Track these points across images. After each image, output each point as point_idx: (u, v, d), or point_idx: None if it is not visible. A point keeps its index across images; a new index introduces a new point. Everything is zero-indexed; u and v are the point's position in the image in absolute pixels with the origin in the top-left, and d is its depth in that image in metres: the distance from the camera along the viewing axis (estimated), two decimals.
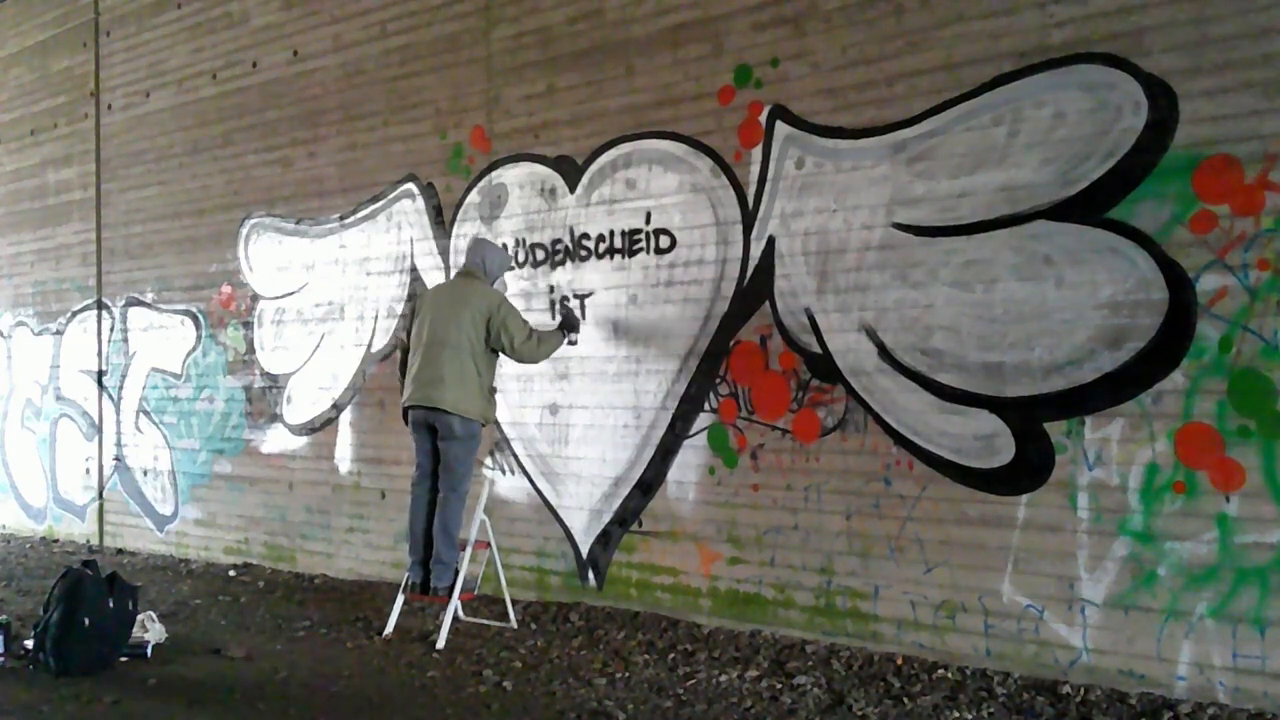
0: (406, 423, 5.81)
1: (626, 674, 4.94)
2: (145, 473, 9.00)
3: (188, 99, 8.58)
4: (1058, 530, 4.56)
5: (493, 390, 5.82)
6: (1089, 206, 4.48)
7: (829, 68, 5.26)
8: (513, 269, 6.43)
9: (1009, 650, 4.68)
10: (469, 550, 5.73)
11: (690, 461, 5.76)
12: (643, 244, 5.95)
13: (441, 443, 5.66)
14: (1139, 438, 4.36)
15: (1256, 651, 4.10)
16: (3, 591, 7.25)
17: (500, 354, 5.75)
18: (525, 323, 5.75)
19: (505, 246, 6.49)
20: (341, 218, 7.52)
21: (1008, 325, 4.69)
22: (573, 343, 5.97)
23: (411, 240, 7.09)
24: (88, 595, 5.12)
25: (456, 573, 5.68)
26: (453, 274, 6.69)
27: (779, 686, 4.69)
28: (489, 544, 5.94)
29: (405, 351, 5.95)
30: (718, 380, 5.66)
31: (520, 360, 5.79)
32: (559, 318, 6.15)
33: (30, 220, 10.10)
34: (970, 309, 4.79)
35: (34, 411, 10.14)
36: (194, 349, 8.56)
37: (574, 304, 6.23)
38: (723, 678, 4.84)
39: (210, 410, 8.42)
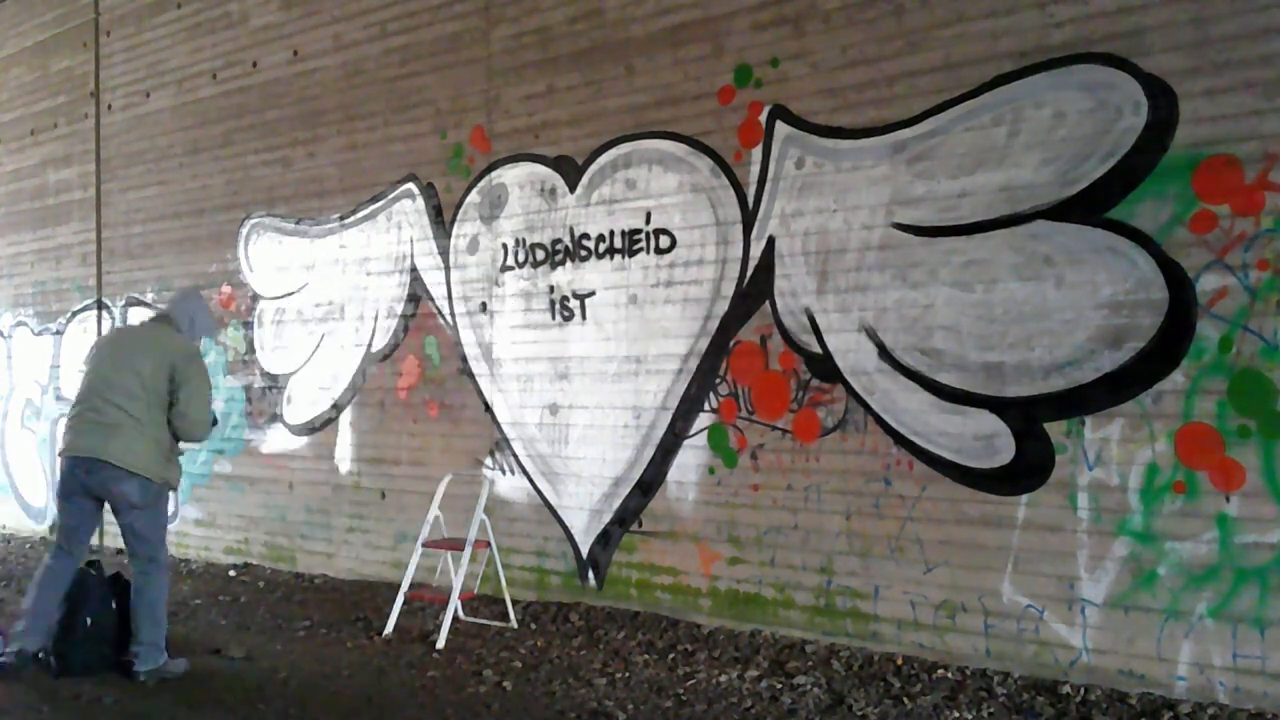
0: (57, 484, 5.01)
1: (626, 674, 4.94)
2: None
3: (188, 99, 8.58)
4: (1058, 530, 4.56)
5: (175, 449, 5.00)
6: (1089, 206, 4.48)
7: (829, 68, 5.26)
8: (203, 337, 5.39)
9: (1009, 650, 4.68)
10: (468, 551, 5.73)
11: (690, 461, 5.76)
12: (643, 244, 5.95)
13: (118, 514, 4.90)
14: (1139, 438, 4.36)
15: (1256, 651, 4.10)
16: (3, 591, 7.25)
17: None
18: (207, 395, 5.00)
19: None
20: (341, 218, 7.52)
21: (1008, 325, 4.69)
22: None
23: (411, 240, 7.09)
24: (90, 595, 5.11)
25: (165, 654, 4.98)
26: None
27: (779, 686, 4.70)
28: (489, 544, 5.94)
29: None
30: (718, 380, 5.66)
31: (182, 432, 4.93)
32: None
33: (30, 220, 10.10)
34: (970, 309, 4.79)
35: (34, 411, 10.14)
36: None
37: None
38: (723, 678, 4.84)
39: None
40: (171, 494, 5.07)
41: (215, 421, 5.22)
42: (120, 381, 4.86)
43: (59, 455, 4.98)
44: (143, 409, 4.83)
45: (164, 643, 5.01)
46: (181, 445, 5.05)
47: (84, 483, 4.86)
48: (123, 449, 4.79)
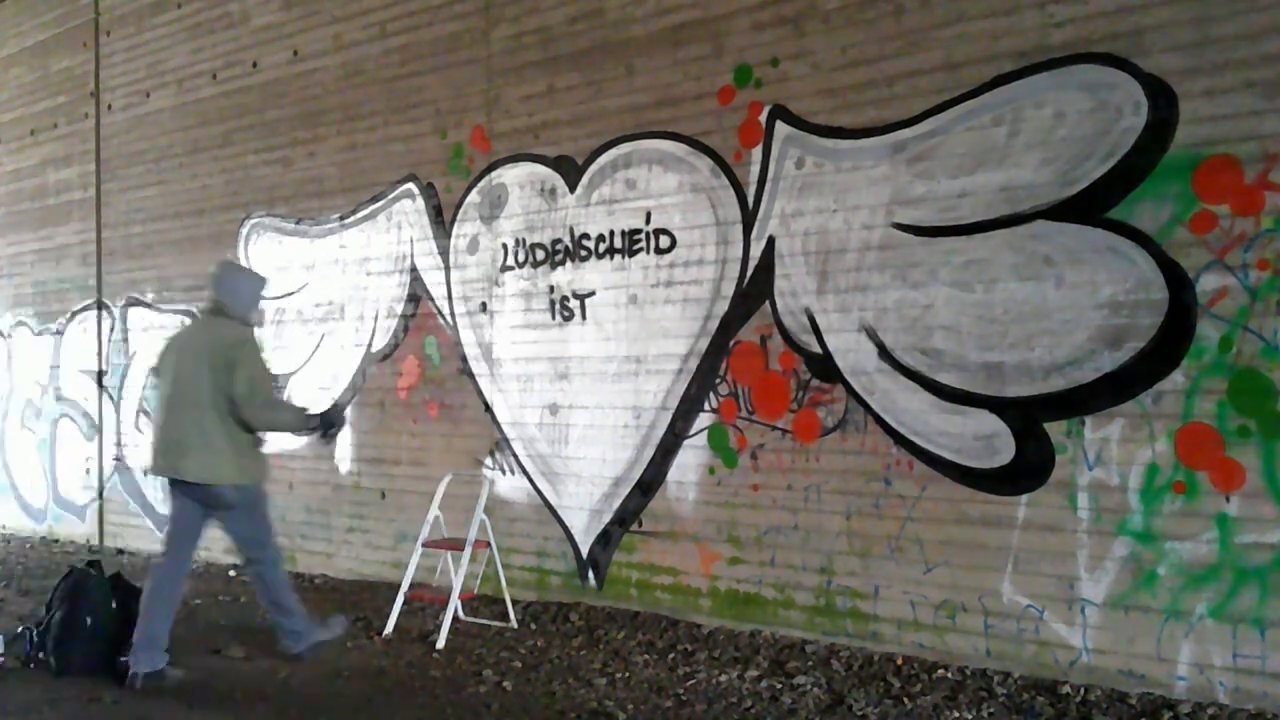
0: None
1: (626, 674, 4.94)
2: (145, 473, 9.00)
3: (188, 99, 8.58)
4: (1058, 530, 4.56)
5: (258, 443, 4.98)
6: (1089, 206, 4.48)
7: (829, 68, 5.26)
8: (260, 306, 5.25)
9: (1009, 650, 4.68)
10: (468, 551, 5.73)
11: (690, 461, 5.76)
12: (643, 244, 5.95)
13: (218, 517, 4.96)
14: (1139, 438, 4.36)
15: (1256, 651, 4.10)
16: (3, 591, 7.25)
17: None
18: (262, 375, 4.93)
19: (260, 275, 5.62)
20: (341, 218, 7.52)
21: (1008, 325, 4.69)
22: (316, 432, 5.26)
23: (411, 240, 7.10)
24: (91, 595, 5.12)
25: (313, 632, 5.10)
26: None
27: (779, 686, 4.70)
28: (489, 544, 5.94)
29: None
30: (718, 380, 5.66)
31: (244, 416, 4.81)
32: (324, 413, 5.33)
33: (30, 220, 10.10)
34: (970, 309, 4.79)
35: (34, 411, 10.14)
36: None
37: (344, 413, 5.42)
38: (723, 678, 4.84)
39: None
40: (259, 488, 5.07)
41: (306, 417, 5.10)
42: (182, 392, 4.81)
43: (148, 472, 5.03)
44: (209, 414, 4.77)
45: (305, 626, 5.19)
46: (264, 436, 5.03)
47: (181, 490, 4.90)
48: (198, 465, 4.78)
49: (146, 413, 8.96)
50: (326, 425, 5.20)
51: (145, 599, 4.89)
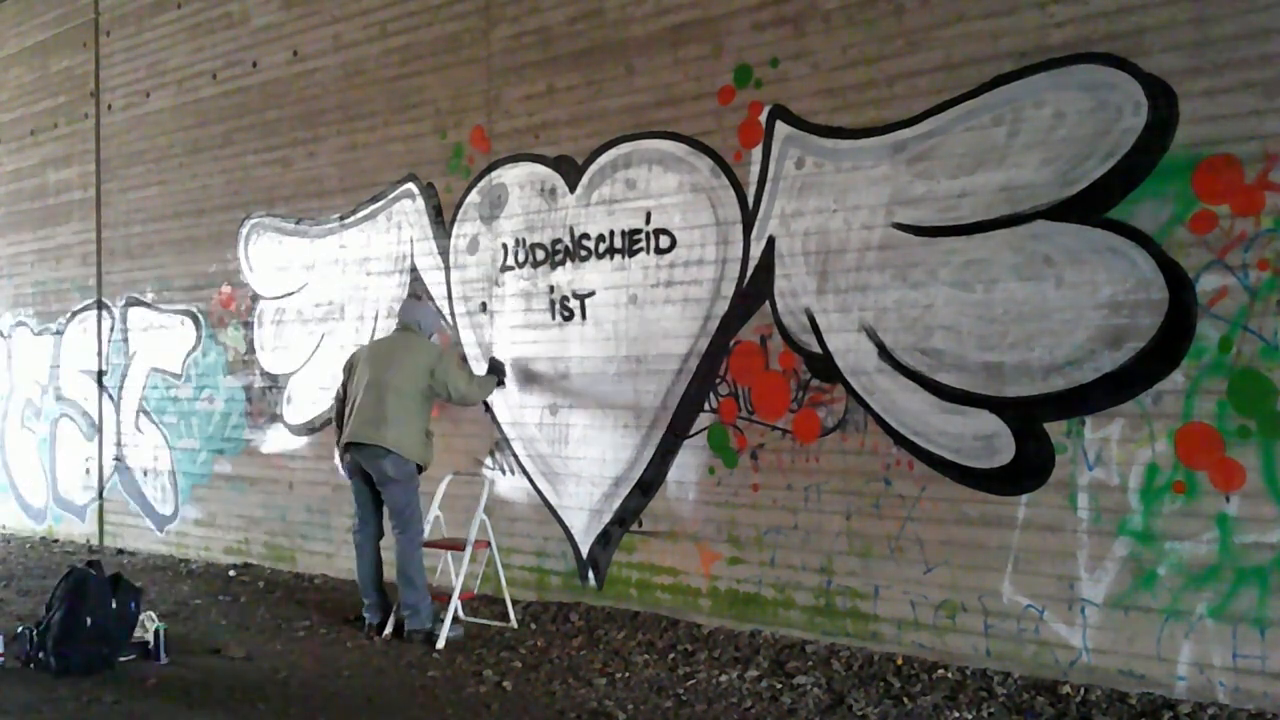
0: (343, 469, 6.00)
1: (626, 674, 4.94)
2: (145, 473, 9.00)
3: (188, 99, 8.58)
4: (1058, 530, 4.56)
5: (429, 434, 5.86)
6: (1089, 206, 4.48)
7: (829, 68, 5.26)
8: (442, 328, 6.58)
9: (1009, 650, 4.68)
10: (468, 551, 5.73)
11: (690, 461, 5.76)
12: (643, 244, 5.95)
13: (381, 487, 5.73)
14: (1139, 438, 4.36)
15: (1256, 651, 4.10)
16: (3, 591, 7.25)
17: (440, 399, 5.91)
18: (465, 371, 6.12)
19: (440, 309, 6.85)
20: (341, 218, 7.52)
21: (1008, 325, 4.69)
22: (502, 385, 6.38)
23: (411, 240, 7.09)
24: (91, 595, 5.13)
25: (432, 614, 5.67)
26: (385, 331, 6.78)
27: (779, 686, 4.70)
28: (489, 544, 5.94)
29: (341, 404, 5.97)
30: (718, 380, 5.66)
31: (463, 404, 6.08)
32: (488, 364, 6.49)
33: (30, 220, 10.10)
34: (970, 309, 4.79)
35: (34, 411, 10.14)
36: (194, 349, 8.56)
37: (502, 358, 6.53)
38: (723, 678, 4.84)
39: (210, 410, 8.42)
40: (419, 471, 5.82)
41: (500, 375, 6.34)
42: (378, 383, 5.70)
43: (339, 444, 5.89)
44: (409, 401, 5.67)
45: (423, 606, 5.63)
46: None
47: (361, 466, 5.73)
48: (391, 434, 5.62)
49: (147, 412, 8.96)
50: (500, 374, 6.34)
51: (380, 570, 5.92)
